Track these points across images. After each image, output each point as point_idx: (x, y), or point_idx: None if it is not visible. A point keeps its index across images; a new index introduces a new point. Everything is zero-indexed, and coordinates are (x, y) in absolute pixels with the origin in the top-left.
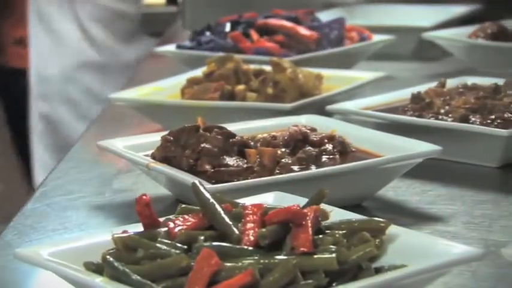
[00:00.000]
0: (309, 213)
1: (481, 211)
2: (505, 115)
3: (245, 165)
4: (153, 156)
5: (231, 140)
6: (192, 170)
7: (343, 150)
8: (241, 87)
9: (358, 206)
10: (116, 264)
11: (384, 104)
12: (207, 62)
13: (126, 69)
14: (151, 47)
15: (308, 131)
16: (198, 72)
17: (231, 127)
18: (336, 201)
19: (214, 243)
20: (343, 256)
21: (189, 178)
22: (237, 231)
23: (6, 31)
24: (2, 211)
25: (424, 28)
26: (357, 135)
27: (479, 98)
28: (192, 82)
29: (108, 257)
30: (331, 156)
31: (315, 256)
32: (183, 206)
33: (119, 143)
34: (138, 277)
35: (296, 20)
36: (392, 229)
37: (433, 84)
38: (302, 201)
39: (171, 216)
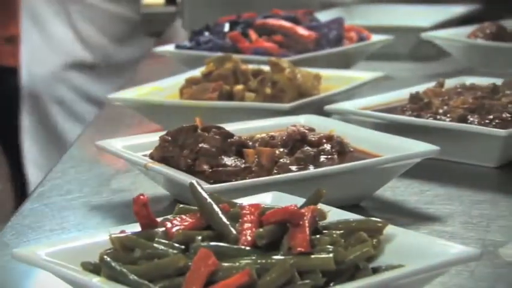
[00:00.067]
0: (306, 213)
1: (479, 211)
2: (503, 115)
3: (243, 165)
4: (151, 156)
5: (229, 140)
6: (190, 170)
7: (342, 150)
8: (239, 87)
9: (356, 206)
10: (113, 264)
11: (383, 104)
12: (205, 62)
13: (118, 71)
14: (148, 47)
15: (306, 131)
16: (197, 72)
17: (230, 127)
18: (334, 201)
19: (212, 243)
20: (341, 256)
21: (186, 178)
22: (234, 231)
23: None
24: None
25: (423, 28)
26: (355, 135)
27: (478, 98)
28: (190, 82)
29: (105, 257)
30: (329, 156)
31: (312, 256)
32: (181, 206)
33: (117, 143)
34: (136, 277)
35: (295, 20)
36: (390, 229)
37: (431, 84)
38: (300, 201)
39: (168, 216)
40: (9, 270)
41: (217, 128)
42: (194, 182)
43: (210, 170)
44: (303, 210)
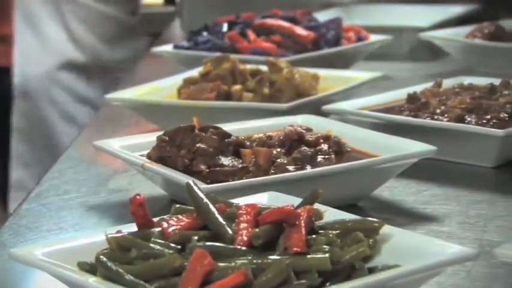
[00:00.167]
0: (302, 213)
1: (476, 211)
2: (501, 115)
3: (240, 165)
4: (148, 156)
5: (226, 140)
6: (188, 170)
7: (339, 150)
8: (237, 87)
9: (353, 206)
10: (109, 264)
11: (380, 104)
12: (203, 62)
13: (109, 71)
14: (141, 49)
15: (303, 131)
16: (195, 72)
17: (227, 127)
18: (331, 201)
19: (208, 243)
20: (337, 256)
21: (184, 178)
22: (230, 231)
23: None
24: None
25: (422, 28)
26: (353, 135)
27: (475, 98)
28: (188, 82)
29: (101, 257)
30: (326, 156)
31: (308, 256)
32: (177, 206)
33: (115, 143)
34: (131, 277)
35: (293, 20)
36: (386, 229)
37: (429, 84)
38: (296, 201)
39: (165, 216)
40: (7, 270)
41: (214, 128)
42: (191, 182)
43: (207, 170)
44: (299, 210)
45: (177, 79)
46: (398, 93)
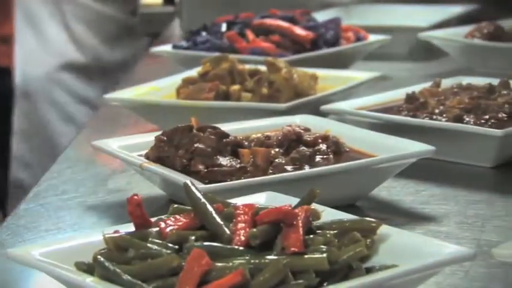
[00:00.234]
0: (300, 213)
1: (474, 211)
2: (499, 115)
3: (238, 165)
4: (146, 156)
5: (224, 140)
6: (186, 170)
7: (337, 150)
8: (236, 87)
9: (351, 205)
10: (106, 264)
11: (379, 104)
12: (202, 62)
13: (109, 72)
14: (140, 49)
15: (302, 131)
16: (193, 72)
17: (226, 127)
18: (329, 201)
19: (205, 243)
20: (334, 256)
21: (182, 178)
22: (228, 231)
23: None
24: None
25: (421, 28)
26: (351, 135)
27: (474, 98)
28: (187, 82)
29: (99, 257)
30: (324, 156)
31: (306, 256)
32: (175, 206)
33: (113, 143)
34: (129, 277)
35: (292, 20)
36: (384, 229)
37: (428, 84)
38: (294, 201)
39: (162, 216)
40: (4, 270)
41: (212, 128)
42: (188, 182)
43: (206, 170)
44: (296, 210)
45: (176, 79)
46: (397, 93)
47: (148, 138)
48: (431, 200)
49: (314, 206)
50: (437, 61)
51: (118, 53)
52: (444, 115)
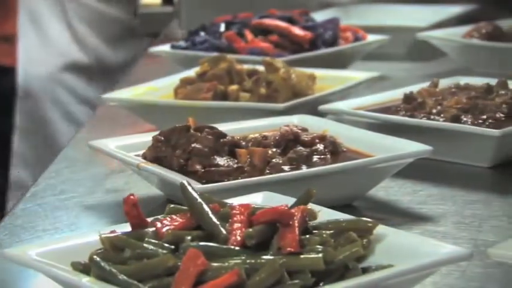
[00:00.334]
0: (296, 213)
1: (471, 211)
2: (497, 115)
3: (235, 165)
4: (144, 156)
5: (221, 140)
6: (183, 170)
7: (334, 150)
8: (234, 87)
9: (348, 205)
10: (102, 264)
11: (377, 104)
12: (200, 62)
13: (111, 73)
14: (144, 47)
15: (299, 131)
16: (191, 72)
17: (223, 127)
18: (326, 201)
19: (201, 243)
20: (330, 256)
21: (179, 178)
22: (224, 231)
23: None
24: None
25: (419, 28)
26: (348, 135)
27: (471, 98)
28: (185, 82)
29: (95, 257)
30: (322, 156)
31: (302, 256)
32: (172, 206)
33: (111, 143)
34: (125, 277)
35: (291, 20)
36: (380, 229)
37: (426, 84)
38: (291, 201)
39: (159, 216)
40: (3, 270)
41: (210, 128)
42: (184, 182)
43: (203, 170)
44: (292, 210)
45: (174, 79)
46: (395, 93)
47: (146, 138)
48: (428, 200)
49: (310, 206)
50: (436, 61)
51: (120, 54)
52: (442, 115)
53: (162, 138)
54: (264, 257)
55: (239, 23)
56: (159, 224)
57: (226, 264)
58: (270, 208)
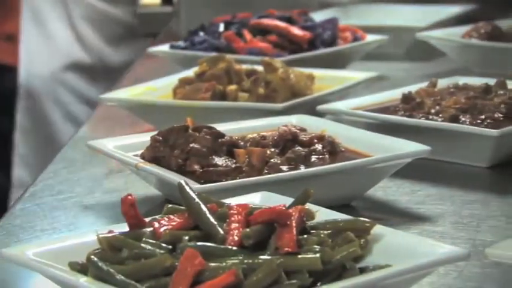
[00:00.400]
0: (293, 213)
1: (469, 211)
2: (495, 115)
3: (234, 165)
4: (142, 156)
5: (220, 140)
6: (181, 170)
7: (333, 150)
8: (232, 87)
9: (347, 205)
10: (100, 264)
11: (375, 104)
12: (198, 62)
13: (113, 73)
14: (144, 48)
15: (297, 131)
16: (190, 72)
17: (222, 127)
18: (324, 201)
19: (199, 243)
20: (327, 256)
21: (177, 178)
22: (221, 231)
23: None
24: None
25: (418, 28)
26: (347, 135)
27: (470, 98)
28: (183, 82)
29: (92, 257)
30: (320, 156)
31: (299, 256)
32: (169, 206)
33: (109, 143)
34: (122, 277)
35: (289, 20)
36: (378, 229)
37: (425, 84)
38: (289, 201)
39: (156, 216)
40: (2, 270)
41: (208, 128)
42: (182, 181)
43: (201, 170)
44: (290, 210)
45: (173, 79)
46: (394, 93)
47: (144, 138)
48: (426, 200)
49: (308, 206)
50: (435, 61)
51: (122, 54)
52: (440, 115)
53: (160, 138)
54: (262, 257)
55: (238, 23)
56: (156, 224)
57: (224, 264)
58: (267, 208)
